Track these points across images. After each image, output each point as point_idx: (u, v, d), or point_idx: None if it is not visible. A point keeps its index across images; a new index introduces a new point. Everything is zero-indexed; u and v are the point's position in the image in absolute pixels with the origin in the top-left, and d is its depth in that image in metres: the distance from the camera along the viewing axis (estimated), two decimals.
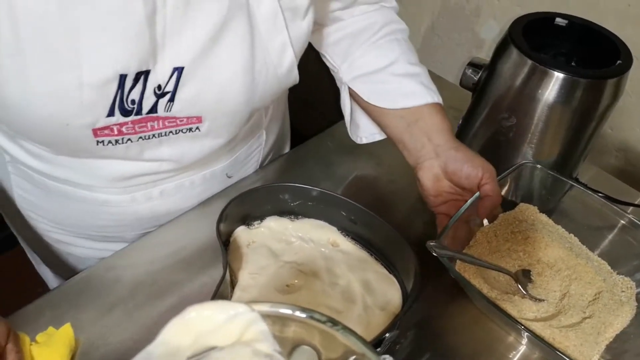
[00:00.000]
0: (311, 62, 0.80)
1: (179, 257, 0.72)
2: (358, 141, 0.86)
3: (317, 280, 0.66)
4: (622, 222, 0.76)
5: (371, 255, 0.70)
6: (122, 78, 0.55)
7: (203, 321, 0.32)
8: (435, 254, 0.65)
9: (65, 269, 0.87)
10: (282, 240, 0.71)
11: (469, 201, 0.71)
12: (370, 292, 0.65)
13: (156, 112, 0.60)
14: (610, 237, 0.78)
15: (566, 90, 0.77)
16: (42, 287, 0.97)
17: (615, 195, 0.85)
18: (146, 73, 0.57)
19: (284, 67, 0.66)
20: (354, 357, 0.35)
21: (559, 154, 0.83)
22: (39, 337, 0.59)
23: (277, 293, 0.65)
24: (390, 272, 0.68)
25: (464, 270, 0.71)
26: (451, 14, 1.50)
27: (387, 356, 0.34)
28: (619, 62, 0.79)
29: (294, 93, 0.89)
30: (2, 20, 0.49)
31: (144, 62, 0.56)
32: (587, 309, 0.71)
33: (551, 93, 0.77)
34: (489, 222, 0.77)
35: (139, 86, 0.57)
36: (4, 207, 0.85)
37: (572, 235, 0.79)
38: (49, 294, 0.68)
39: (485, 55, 1.28)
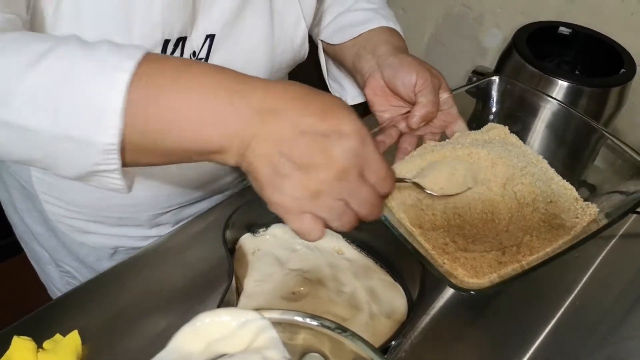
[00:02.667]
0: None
1: (186, 265, 0.72)
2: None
3: (323, 288, 0.66)
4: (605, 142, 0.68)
5: (376, 262, 0.70)
6: (166, 44, 0.59)
7: (214, 328, 0.33)
8: None
9: (73, 265, 0.87)
10: (287, 248, 0.71)
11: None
12: (376, 299, 0.65)
13: None
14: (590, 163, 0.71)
15: (570, 99, 0.77)
16: (46, 294, 0.97)
17: None
18: (184, 40, 0.61)
19: (298, 39, 0.72)
20: None
21: (564, 162, 0.82)
22: (45, 344, 0.60)
23: (282, 300, 0.65)
24: (395, 280, 0.68)
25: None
26: (454, 22, 1.50)
27: None
28: (622, 70, 0.79)
29: None
30: None
31: (185, 28, 0.60)
32: (497, 237, 0.62)
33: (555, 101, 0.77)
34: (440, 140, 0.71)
35: (177, 52, 0.61)
36: (16, 202, 0.85)
37: (540, 157, 0.71)
38: (56, 301, 0.68)
39: (489, 63, 1.29)
